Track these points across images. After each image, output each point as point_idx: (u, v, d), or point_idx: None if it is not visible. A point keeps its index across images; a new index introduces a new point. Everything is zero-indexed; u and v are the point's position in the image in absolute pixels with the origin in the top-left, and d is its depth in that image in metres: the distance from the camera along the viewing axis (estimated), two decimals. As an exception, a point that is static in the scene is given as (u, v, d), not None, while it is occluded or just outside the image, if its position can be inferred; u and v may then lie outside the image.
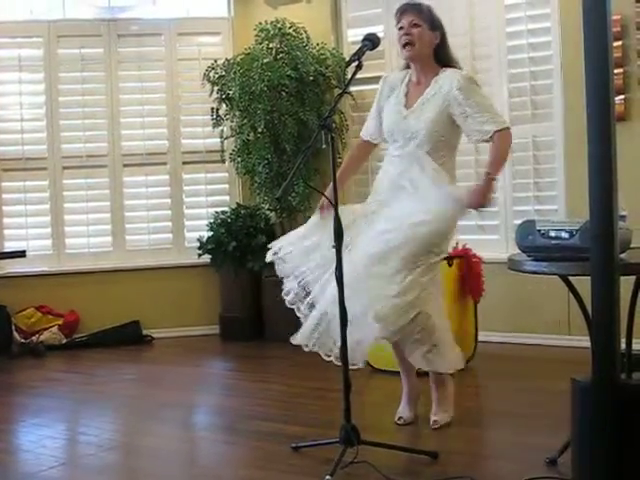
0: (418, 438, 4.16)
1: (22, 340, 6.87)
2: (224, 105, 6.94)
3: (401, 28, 4.19)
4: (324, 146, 3.76)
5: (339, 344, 3.72)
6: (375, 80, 4.67)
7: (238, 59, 6.92)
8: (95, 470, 3.92)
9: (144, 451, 4.24)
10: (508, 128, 4.11)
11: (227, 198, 7.56)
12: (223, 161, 7.18)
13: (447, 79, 4.16)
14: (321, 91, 6.80)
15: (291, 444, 4.00)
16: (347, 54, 6.75)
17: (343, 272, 3.65)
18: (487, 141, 4.12)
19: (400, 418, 4.32)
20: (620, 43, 5.68)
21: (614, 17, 5.37)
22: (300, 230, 4.30)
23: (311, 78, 6.70)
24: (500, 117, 4.16)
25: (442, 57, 4.25)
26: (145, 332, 7.22)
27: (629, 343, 3.50)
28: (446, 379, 4.29)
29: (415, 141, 4.14)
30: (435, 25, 4.22)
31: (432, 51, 4.22)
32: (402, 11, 4.23)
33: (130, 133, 7.41)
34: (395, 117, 4.24)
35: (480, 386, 5.09)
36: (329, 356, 3.99)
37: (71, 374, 6.15)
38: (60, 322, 7.04)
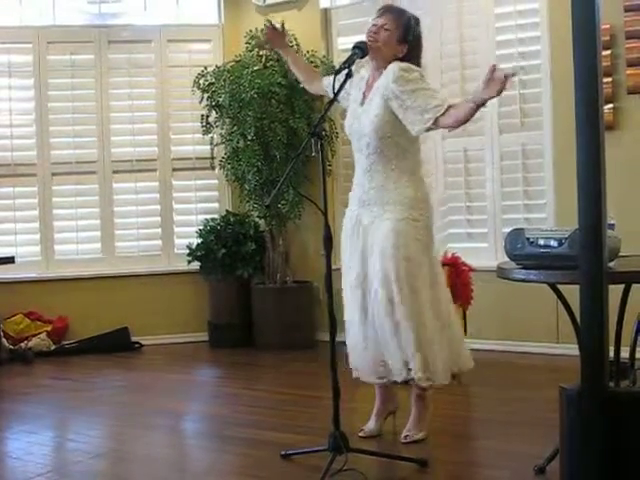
0: (407, 446, 4.15)
1: (10, 346, 6.84)
2: (214, 112, 6.94)
3: (374, 25, 4.13)
4: (314, 154, 3.76)
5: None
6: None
7: (228, 66, 6.93)
8: (83, 477, 3.91)
9: (133, 458, 4.22)
10: (450, 107, 3.92)
11: (217, 205, 7.56)
12: (213, 168, 7.18)
13: (386, 73, 4.09)
14: (311, 99, 6.79)
15: (280, 452, 4.00)
16: (337, 62, 6.76)
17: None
18: (431, 129, 3.99)
19: (362, 430, 4.29)
20: (609, 52, 5.70)
21: (603, 26, 5.40)
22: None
23: (301, 85, 6.69)
24: (438, 100, 3.96)
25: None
26: (134, 339, 7.21)
27: (617, 351, 3.51)
28: (428, 398, 4.27)
29: (365, 139, 4.11)
30: (406, 38, 4.12)
31: (393, 58, 4.11)
32: (381, 12, 4.18)
33: (120, 139, 7.41)
34: (353, 115, 4.24)
35: (469, 394, 5.09)
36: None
37: (59, 381, 6.13)
38: (49, 328, 7.02)
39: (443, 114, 3.92)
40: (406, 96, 3.98)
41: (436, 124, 3.95)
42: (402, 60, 4.12)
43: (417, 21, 4.22)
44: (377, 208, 4.11)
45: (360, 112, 4.18)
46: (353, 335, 4.20)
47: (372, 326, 4.09)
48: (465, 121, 3.92)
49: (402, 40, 4.13)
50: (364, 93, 4.23)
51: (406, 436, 4.16)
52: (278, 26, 4.62)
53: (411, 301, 4.01)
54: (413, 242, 4.06)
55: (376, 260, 4.05)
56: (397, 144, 4.11)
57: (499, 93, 3.72)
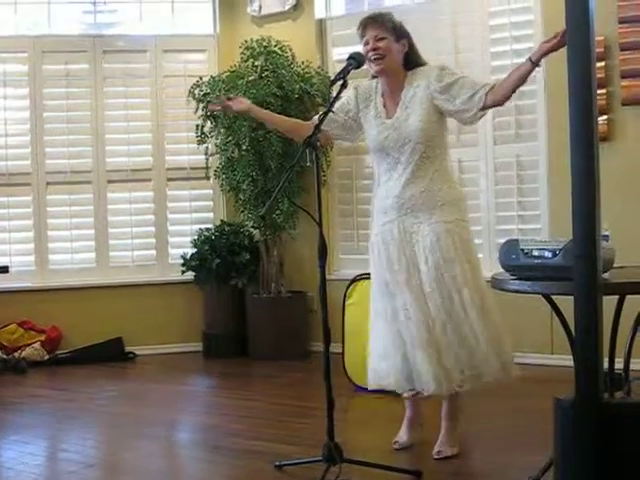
0: (402, 457, 4.15)
1: (4, 356, 6.83)
2: (209, 122, 6.93)
3: (367, 43, 4.14)
4: (309, 164, 3.77)
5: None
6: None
7: (223, 76, 6.93)
8: (76, 488, 3.90)
9: (126, 469, 4.22)
10: (494, 84, 4.05)
11: (211, 215, 7.56)
12: (208, 178, 7.18)
13: (421, 76, 4.13)
14: (306, 109, 6.80)
15: (274, 462, 3.99)
16: (332, 72, 6.77)
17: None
18: (483, 109, 4.04)
19: (396, 442, 4.26)
20: (603, 64, 5.71)
21: (598, 38, 5.40)
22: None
23: (296, 96, 6.71)
24: (482, 83, 4.07)
25: (412, 63, 4.20)
26: (128, 349, 7.19)
27: (611, 362, 3.51)
28: (459, 413, 4.27)
29: (410, 145, 4.08)
30: (400, 35, 4.16)
31: (402, 61, 4.18)
32: (364, 25, 4.18)
33: (115, 149, 7.40)
34: (381, 130, 4.16)
35: (463, 405, 5.08)
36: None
37: (53, 391, 6.12)
38: (42, 338, 7.00)
39: (492, 88, 4.00)
40: (453, 87, 4.05)
41: (486, 103, 4.01)
42: (409, 53, 4.19)
43: (391, 13, 4.27)
44: (423, 213, 4.09)
45: (392, 123, 4.15)
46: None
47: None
48: (517, 87, 3.99)
49: (399, 37, 4.16)
50: (385, 106, 4.21)
51: (439, 451, 4.11)
52: (218, 108, 4.82)
53: (480, 302, 4.05)
54: (467, 243, 4.12)
55: (432, 265, 4.02)
56: (441, 145, 4.17)
57: (560, 46, 3.72)
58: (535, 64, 3.89)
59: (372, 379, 4.23)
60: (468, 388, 4.07)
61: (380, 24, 4.15)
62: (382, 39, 4.11)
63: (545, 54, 3.85)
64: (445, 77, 4.08)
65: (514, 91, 4.02)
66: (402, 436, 4.29)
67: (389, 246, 4.13)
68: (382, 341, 4.16)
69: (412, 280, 4.05)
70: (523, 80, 3.97)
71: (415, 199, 4.09)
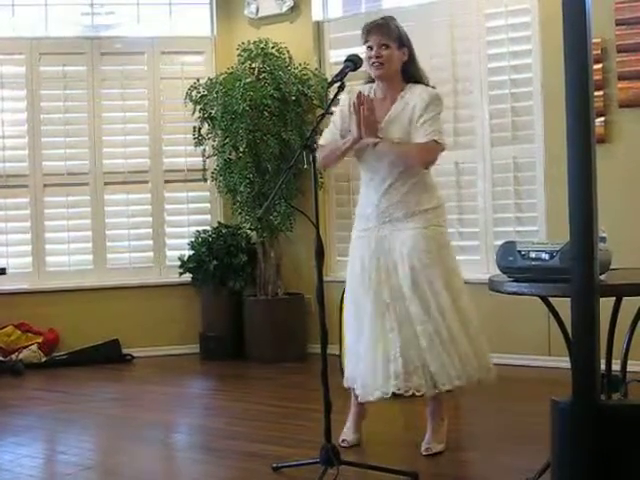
0: (398, 459, 4.14)
1: (1, 358, 6.83)
2: (206, 124, 6.94)
3: (370, 47, 4.17)
4: (306, 166, 3.77)
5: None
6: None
7: (221, 78, 6.93)
8: (73, 490, 3.90)
9: (123, 471, 4.21)
10: (439, 147, 4.12)
11: (208, 217, 7.56)
12: (205, 180, 7.18)
13: (415, 95, 4.17)
14: (303, 111, 6.81)
15: (272, 464, 3.98)
16: (329, 74, 6.78)
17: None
18: None
19: (344, 440, 4.28)
20: (600, 66, 5.72)
21: (594, 40, 5.42)
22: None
23: (293, 98, 6.72)
24: (440, 135, 4.13)
25: (410, 73, 4.24)
26: (125, 351, 7.18)
27: (609, 364, 3.51)
28: (444, 410, 4.30)
29: (389, 158, 4.13)
30: (402, 43, 4.19)
31: (400, 68, 4.22)
32: (369, 30, 4.20)
33: (112, 151, 7.40)
34: None
35: (459, 407, 5.08)
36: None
37: (50, 393, 6.11)
38: (40, 340, 7.00)
39: (427, 143, 4.11)
40: (423, 118, 4.10)
41: None
42: (408, 63, 4.22)
43: (395, 19, 4.30)
44: (400, 222, 4.15)
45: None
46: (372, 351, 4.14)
47: (404, 337, 4.06)
48: (401, 160, 4.14)
49: (400, 46, 4.19)
50: None
51: (427, 448, 4.16)
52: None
53: (457, 305, 4.14)
54: (444, 248, 4.18)
55: (408, 270, 4.07)
56: None
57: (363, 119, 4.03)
58: (375, 143, 4.07)
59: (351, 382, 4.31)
60: (450, 389, 4.13)
61: (386, 31, 4.17)
62: (386, 47, 4.15)
63: (364, 127, 4.04)
64: (429, 105, 4.12)
65: (406, 163, 4.14)
66: (348, 434, 4.33)
67: (365, 254, 4.20)
68: (356, 342, 4.23)
69: (383, 289, 4.12)
70: (396, 155, 4.11)
71: (392, 208, 4.17)
